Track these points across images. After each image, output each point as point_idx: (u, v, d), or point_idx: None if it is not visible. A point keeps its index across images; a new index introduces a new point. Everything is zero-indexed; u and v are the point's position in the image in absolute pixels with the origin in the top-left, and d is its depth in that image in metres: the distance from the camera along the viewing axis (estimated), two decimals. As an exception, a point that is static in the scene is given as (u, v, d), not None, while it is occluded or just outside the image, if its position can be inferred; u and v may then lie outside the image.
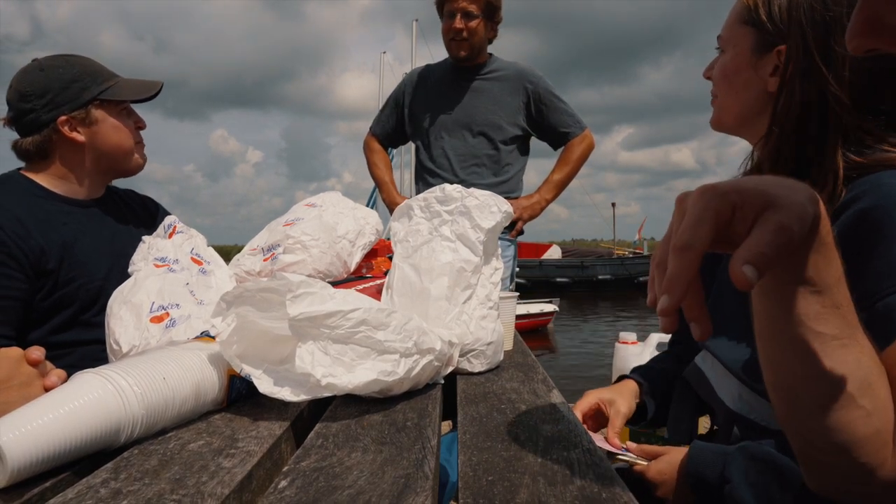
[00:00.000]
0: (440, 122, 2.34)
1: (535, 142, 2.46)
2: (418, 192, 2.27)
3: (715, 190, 0.48)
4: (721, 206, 0.47)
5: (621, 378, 1.16)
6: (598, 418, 1.08)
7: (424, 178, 2.38)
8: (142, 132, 1.40)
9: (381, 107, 2.57)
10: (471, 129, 2.30)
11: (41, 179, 1.29)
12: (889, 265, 0.63)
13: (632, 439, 0.98)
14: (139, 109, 1.43)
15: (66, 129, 1.27)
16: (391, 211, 1.95)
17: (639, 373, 1.15)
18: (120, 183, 1.52)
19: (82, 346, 1.20)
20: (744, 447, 0.77)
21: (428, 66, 2.46)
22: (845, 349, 0.54)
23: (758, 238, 0.45)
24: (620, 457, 0.93)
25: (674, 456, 0.87)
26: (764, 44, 0.81)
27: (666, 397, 1.09)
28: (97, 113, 1.29)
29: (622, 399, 1.07)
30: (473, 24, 2.20)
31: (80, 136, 1.28)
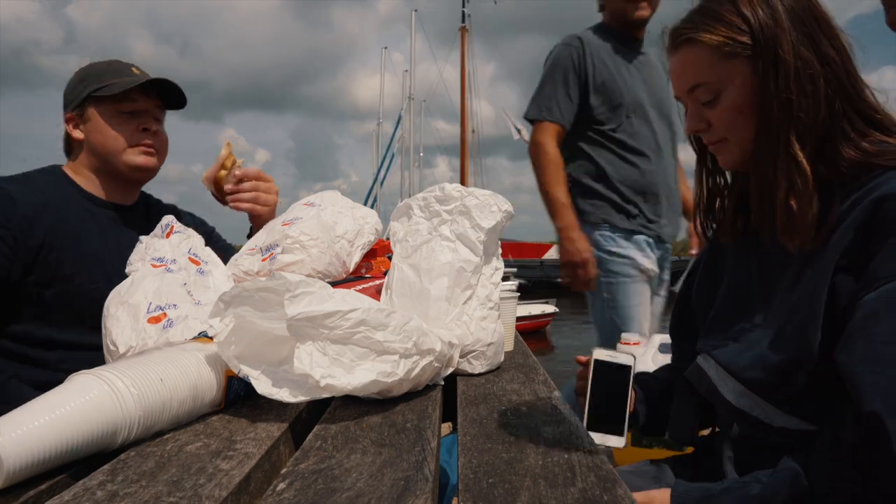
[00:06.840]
0: (636, 99, 1.96)
1: None
2: (621, 178, 1.89)
3: None
4: None
5: None
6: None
7: (628, 159, 1.94)
8: (161, 137, 1.38)
9: (540, 86, 1.98)
10: (660, 109, 2.00)
11: (73, 175, 1.35)
12: (889, 255, 0.69)
13: (633, 444, 0.97)
14: (170, 114, 1.42)
15: (69, 127, 1.34)
16: (576, 251, 1.78)
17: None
18: (153, 190, 1.52)
19: (82, 351, 1.19)
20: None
21: (590, 34, 2.03)
22: None
23: None
24: None
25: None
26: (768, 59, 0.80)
27: (657, 403, 1.08)
28: (90, 111, 1.31)
29: None
30: None
31: (79, 134, 1.33)
